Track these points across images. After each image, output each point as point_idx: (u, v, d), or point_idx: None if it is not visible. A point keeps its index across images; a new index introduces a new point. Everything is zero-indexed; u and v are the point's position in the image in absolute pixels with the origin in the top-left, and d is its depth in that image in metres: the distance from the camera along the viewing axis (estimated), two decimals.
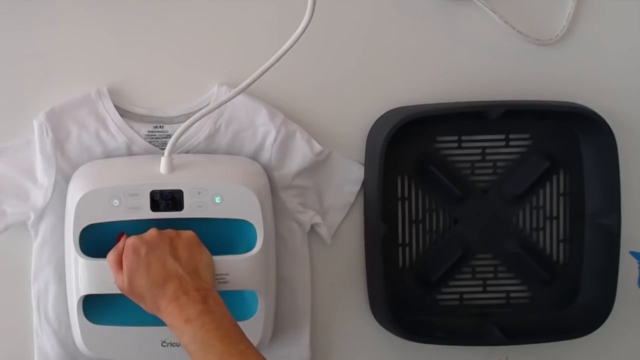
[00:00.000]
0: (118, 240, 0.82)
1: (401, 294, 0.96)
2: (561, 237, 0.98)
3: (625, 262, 0.95)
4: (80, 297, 0.85)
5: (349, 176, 0.96)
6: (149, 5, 0.92)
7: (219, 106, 0.86)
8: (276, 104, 0.93)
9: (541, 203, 0.97)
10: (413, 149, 0.95)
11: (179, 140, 0.87)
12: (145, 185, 0.84)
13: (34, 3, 0.91)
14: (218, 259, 0.83)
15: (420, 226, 0.97)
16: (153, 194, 0.84)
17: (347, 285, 0.98)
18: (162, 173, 0.86)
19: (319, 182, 0.95)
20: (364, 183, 0.96)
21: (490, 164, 0.97)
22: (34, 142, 0.90)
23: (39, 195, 0.90)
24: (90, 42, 0.92)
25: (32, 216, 0.90)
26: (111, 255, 0.80)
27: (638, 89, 0.98)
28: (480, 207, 0.97)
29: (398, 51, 0.95)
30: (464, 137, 0.96)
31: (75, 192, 0.85)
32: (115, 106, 0.91)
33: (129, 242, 0.79)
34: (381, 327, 0.97)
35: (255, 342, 0.79)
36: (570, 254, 0.98)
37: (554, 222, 0.98)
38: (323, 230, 0.95)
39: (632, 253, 0.96)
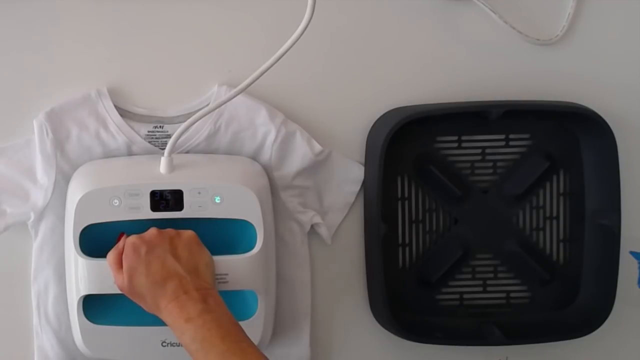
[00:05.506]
0: (118, 240, 0.82)
1: (401, 294, 0.96)
2: (561, 237, 0.98)
3: (625, 262, 0.95)
4: (80, 297, 0.85)
5: (349, 176, 0.96)
6: (149, 5, 0.92)
7: (219, 106, 0.86)
8: (276, 103, 0.93)
9: (541, 203, 0.97)
10: (413, 149, 0.95)
11: (179, 140, 0.87)
12: (145, 185, 0.84)
13: (34, 3, 0.91)
14: (218, 259, 0.83)
15: (420, 226, 0.97)
16: (153, 194, 0.84)
17: (347, 285, 0.98)
18: (162, 173, 0.86)
19: (319, 182, 0.95)
20: (364, 183, 0.96)
21: (490, 164, 0.97)
22: (34, 142, 0.90)
23: (39, 195, 0.90)
24: (90, 42, 0.92)
25: (32, 216, 0.90)
26: (111, 254, 0.80)
27: (638, 89, 0.98)
28: (480, 207, 0.97)
29: (398, 51, 0.95)
30: (464, 137, 0.96)
31: (75, 192, 0.85)
32: (115, 106, 0.91)
33: (129, 241, 0.79)
34: (381, 327, 0.97)
35: (255, 342, 0.79)
36: (570, 254, 0.98)
37: (554, 222, 0.98)
38: (323, 230, 0.95)
39: (632, 253, 0.96)
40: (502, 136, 0.96)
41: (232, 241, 0.87)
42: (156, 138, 0.92)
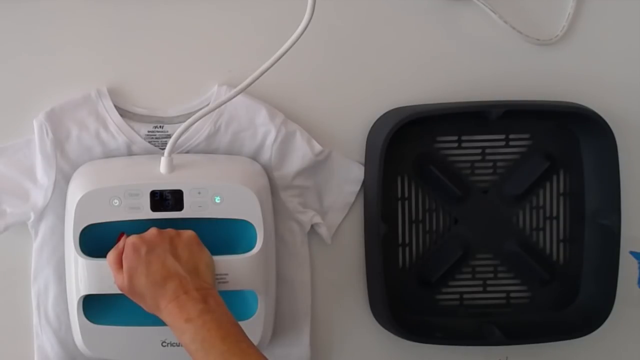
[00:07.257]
0: (118, 240, 0.82)
1: (401, 294, 0.96)
2: (561, 237, 0.98)
3: (625, 262, 0.95)
4: (80, 297, 0.85)
5: (349, 176, 0.96)
6: (149, 5, 0.92)
7: (219, 106, 0.86)
8: (276, 104, 0.93)
9: (541, 203, 0.97)
10: (413, 149, 0.95)
11: (179, 140, 0.87)
12: (145, 185, 0.84)
13: (34, 3, 0.91)
14: (218, 259, 0.83)
15: (420, 226, 0.97)
16: (153, 194, 0.84)
17: (347, 285, 0.98)
18: (162, 173, 0.86)
19: (319, 182, 0.95)
20: (364, 183, 0.96)
21: (490, 164, 0.97)
22: (34, 142, 0.90)
23: (39, 195, 0.90)
24: (90, 42, 0.92)
25: (32, 216, 0.90)
26: (111, 254, 0.80)
27: (638, 89, 0.98)
28: (480, 207, 0.97)
29: (398, 51, 0.95)
30: (464, 137, 0.96)
31: (75, 192, 0.85)
32: (115, 106, 0.91)
33: (129, 241, 0.79)
34: (381, 327, 0.97)
35: (255, 342, 0.79)
36: (570, 254, 0.98)
37: (554, 222, 0.98)
38: (323, 230, 0.95)
39: (632, 253, 0.96)
40: (502, 136, 0.96)
41: (232, 241, 0.87)
42: (156, 138, 0.92)
